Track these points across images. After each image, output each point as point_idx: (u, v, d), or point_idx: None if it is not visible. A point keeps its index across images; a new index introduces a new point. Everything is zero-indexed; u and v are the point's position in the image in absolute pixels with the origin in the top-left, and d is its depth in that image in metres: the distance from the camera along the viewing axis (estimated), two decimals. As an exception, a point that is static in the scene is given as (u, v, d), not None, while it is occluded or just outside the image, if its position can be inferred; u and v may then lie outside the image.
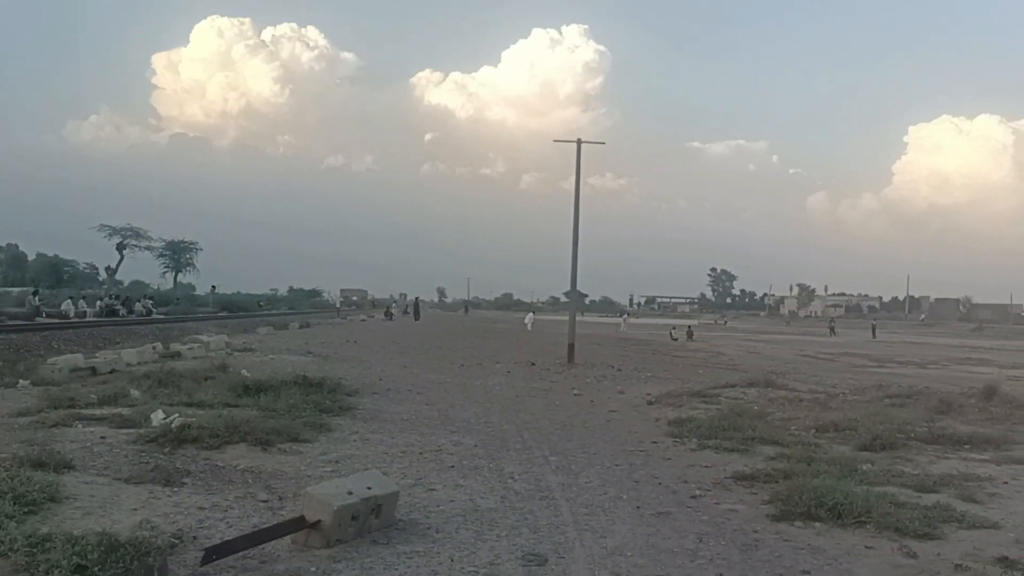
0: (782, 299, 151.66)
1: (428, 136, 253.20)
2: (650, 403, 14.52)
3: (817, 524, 6.44)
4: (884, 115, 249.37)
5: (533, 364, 23.41)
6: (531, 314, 60.42)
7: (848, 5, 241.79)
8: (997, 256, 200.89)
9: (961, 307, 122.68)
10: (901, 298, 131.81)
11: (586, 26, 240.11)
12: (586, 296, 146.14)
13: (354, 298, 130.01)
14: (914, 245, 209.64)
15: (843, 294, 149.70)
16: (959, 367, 29.16)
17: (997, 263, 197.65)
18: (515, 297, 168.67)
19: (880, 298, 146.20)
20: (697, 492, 7.64)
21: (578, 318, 30.48)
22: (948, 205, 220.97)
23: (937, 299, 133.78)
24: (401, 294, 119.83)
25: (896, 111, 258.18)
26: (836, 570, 5.43)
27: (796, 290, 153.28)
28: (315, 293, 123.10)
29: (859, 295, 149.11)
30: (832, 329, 65.60)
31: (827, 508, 6.59)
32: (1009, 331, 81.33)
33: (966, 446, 10.20)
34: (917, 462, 9.13)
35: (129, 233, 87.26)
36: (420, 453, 9.03)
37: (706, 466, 8.90)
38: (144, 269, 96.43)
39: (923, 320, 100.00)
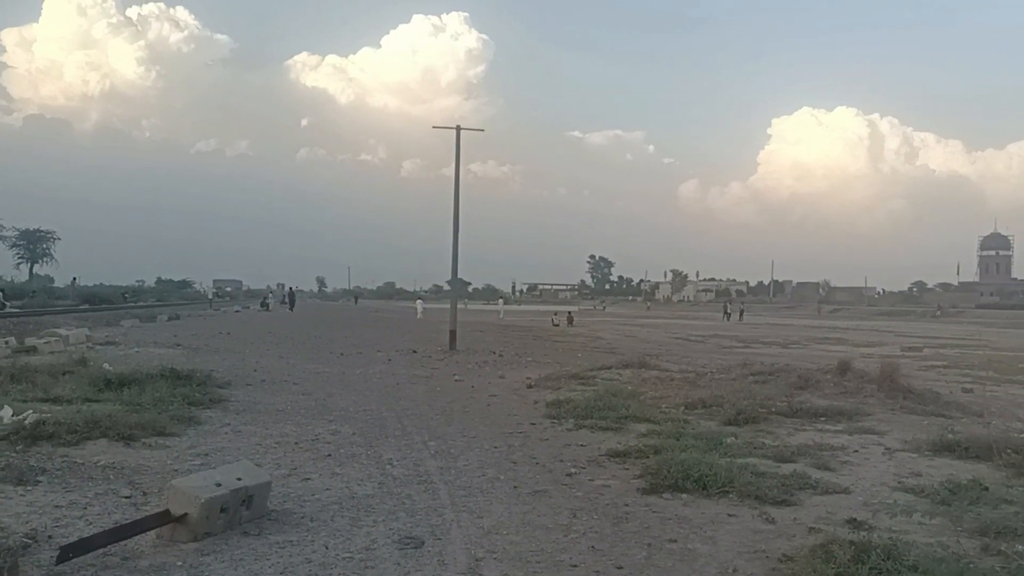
0: (657, 285, 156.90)
1: (304, 121, 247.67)
2: (529, 387, 14.72)
3: (684, 495, 6.73)
4: (750, 107, 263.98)
5: (415, 352, 23.27)
6: (420, 301, 59.50)
7: (717, 6, 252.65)
8: (853, 242, 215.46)
9: (821, 290, 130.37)
10: (766, 282, 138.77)
11: (467, 14, 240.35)
12: (469, 284, 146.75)
13: (228, 289, 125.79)
14: (778, 231, 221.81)
15: (713, 279, 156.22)
16: (818, 346, 30.95)
17: (853, 248, 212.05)
18: (397, 286, 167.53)
19: (747, 282, 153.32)
20: (572, 470, 7.82)
21: (460, 306, 30.50)
22: (809, 193, 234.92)
23: (799, 283, 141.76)
24: (279, 284, 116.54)
25: (761, 103, 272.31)
26: (701, 537, 5.67)
27: (670, 276, 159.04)
28: (185, 284, 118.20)
29: (727, 280, 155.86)
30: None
31: (693, 480, 6.90)
32: (863, 312, 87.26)
33: (822, 418, 10.85)
34: (777, 434, 9.66)
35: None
36: (295, 443, 8.84)
37: (582, 445, 9.11)
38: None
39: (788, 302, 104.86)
